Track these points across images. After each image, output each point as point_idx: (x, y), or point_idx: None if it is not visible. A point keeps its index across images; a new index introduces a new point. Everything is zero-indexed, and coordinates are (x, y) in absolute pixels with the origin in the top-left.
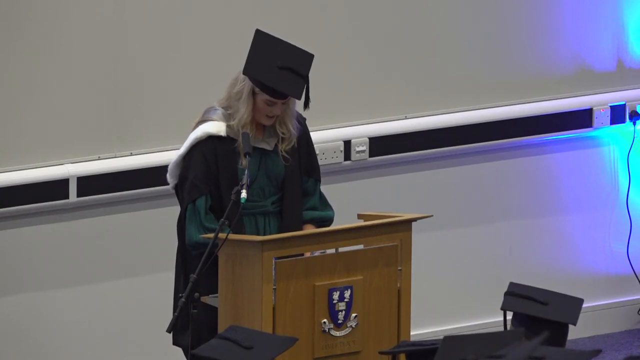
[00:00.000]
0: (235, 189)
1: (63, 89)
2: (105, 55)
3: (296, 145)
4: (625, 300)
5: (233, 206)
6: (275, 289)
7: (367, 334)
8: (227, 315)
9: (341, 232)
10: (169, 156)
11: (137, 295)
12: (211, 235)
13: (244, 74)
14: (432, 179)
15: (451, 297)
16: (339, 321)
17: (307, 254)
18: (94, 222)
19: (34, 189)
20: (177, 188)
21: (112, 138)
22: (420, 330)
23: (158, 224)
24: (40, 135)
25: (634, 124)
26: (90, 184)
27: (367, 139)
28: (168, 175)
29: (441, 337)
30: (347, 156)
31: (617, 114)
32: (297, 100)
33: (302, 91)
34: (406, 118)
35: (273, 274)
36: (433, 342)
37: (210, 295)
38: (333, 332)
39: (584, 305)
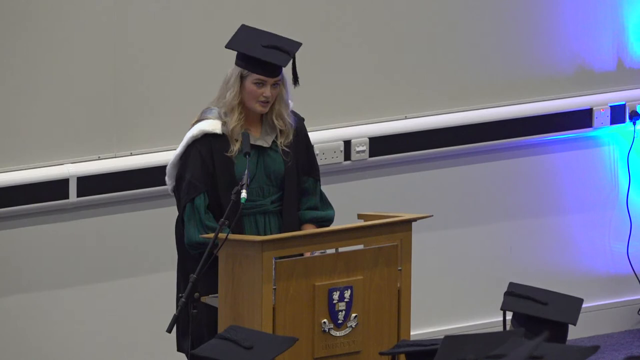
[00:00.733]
0: (236, 188)
1: (63, 89)
2: (106, 55)
3: (294, 143)
4: (625, 300)
5: (233, 206)
6: (275, 289)
7: (367, 334)
8: (227, 315)
9: (341, 232)
10: (169, 156)
11: (137, 295)
12: (211, 235)
13: (226, 47)
14: (432, 179)
15: (451, 297)
16: (339, 321)
17: (307, 254)
18: (94, 222)
19: (34, 189)
20: (175, 188)
21: (112, 138)
22: (420, 330)
23: (158, 224)
24: (40, 135)
25: (634, 124)
26: (90, 184)
27: (367, 139)
28: (166, 177)
29: (441, 337)
30: (347, 156)
31: (617, 114)
32: (288, 89)
33: (288, 61)
34: (406, 118)
35: (273, 274)
36: (433, 342)
37: (210, 295)
38: (333, 332)
39: (584, 305)
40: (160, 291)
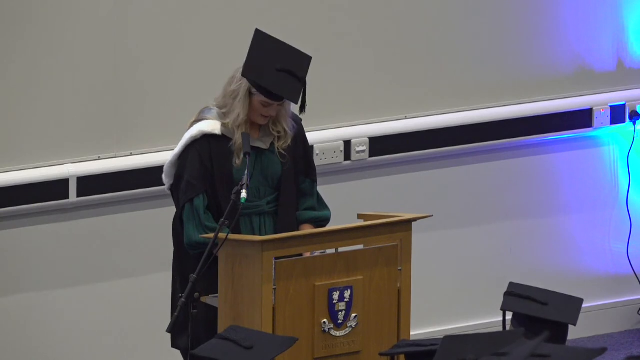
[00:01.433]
0: (236, 189)
1: (63, 89)
2: (106, 55)
3: (292, 144)
4: (625, 300)
5: (233, 206)
6: (275, 289)
7: (367, 334)
8: (227, 315)
9: (341, 232)
10: (169, 156)
11: (137, 295)
12: (211, 235)
13: (242, 76)
14: (432, 179)
15: (451, 297)
16: (339, 321)
17: (307, 254)
18: (94, 222)
19: (34, 189)
20: (173, 188)
21: (112, 138)
22: (420, 330)
23: (158, 224)
24: (40, 135)
25: (634, 124)
26: (90, 184)
27: (367, 139)
28: (164, 176)
29: (441, 337)
30: (347, 156)
31: (617, 114)
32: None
33: (300, 95)
34: (406, 118)
35: (273, 274)
36: (433, 342)
37: (210, 295)
38: (333, 332)
39: (584, 305)
40: (160, 291)
